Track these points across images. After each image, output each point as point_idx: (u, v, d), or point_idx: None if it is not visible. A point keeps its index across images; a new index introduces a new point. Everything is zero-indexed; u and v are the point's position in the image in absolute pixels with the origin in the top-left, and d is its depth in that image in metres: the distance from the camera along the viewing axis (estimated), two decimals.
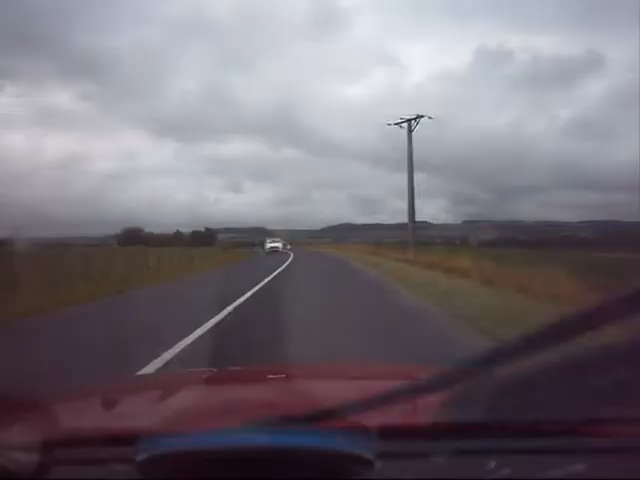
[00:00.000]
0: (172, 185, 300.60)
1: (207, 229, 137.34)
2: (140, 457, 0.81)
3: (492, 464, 0.94)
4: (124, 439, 0.89)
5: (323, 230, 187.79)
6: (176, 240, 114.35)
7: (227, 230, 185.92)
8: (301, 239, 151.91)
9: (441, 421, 1.05)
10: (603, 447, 1.00)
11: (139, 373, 4.52)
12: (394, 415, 1.08)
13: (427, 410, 1.17)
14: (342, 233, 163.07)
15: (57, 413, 1.13)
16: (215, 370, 1.90)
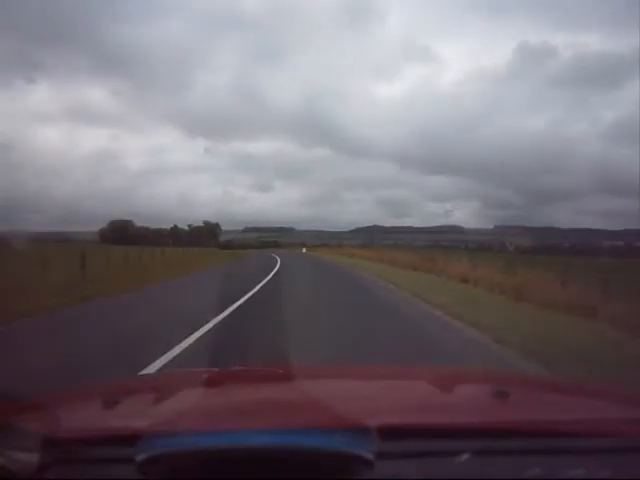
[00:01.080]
0: (201, 182, 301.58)
1: (206, 223, 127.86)
2: (140, 457, 0.82)
3: (491, 463, 0.94)
4: (124, 439, 0.90)
5: (352, 232, 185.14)
6: (174, 236, 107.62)
7: (255, 229, 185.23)
8: (329, 240, 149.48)
9: (441, 421, 1.08)
10: (603, 447, 1.00)
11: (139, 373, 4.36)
12: (394, 415, 1.12)
13: (427, 410, 1.24)
14: (371, 235, 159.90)
15: (57, 413, 1.11)
16: (215, 370, 1.82)
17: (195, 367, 4.58)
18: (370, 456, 0.83)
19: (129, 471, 0.84)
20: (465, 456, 0.94)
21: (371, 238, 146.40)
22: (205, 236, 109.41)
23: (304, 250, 68.06)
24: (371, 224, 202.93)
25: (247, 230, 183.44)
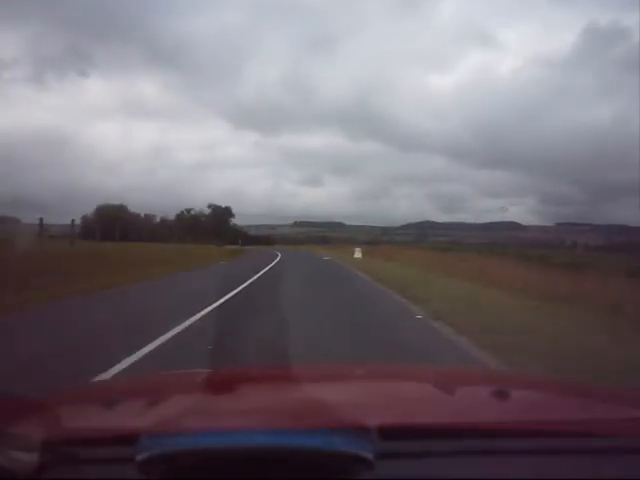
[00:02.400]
0: (250, 176, 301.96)
1: (213, 207, 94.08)
2: (140, 457, 0.82)
3: (491, 464, 0.95)
4: (124, 439, 0.90)
5: (402, 227, 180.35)
6: (163, 228, 78.34)
7: (304, 224, 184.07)
8: (378, 236, 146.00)
9: (441, 421, 1.09)
10: (603, 447, 1.00)
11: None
12: (394, 415, 1.13)
13: (427, 410, 1.25)
14: (422, 231, 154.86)
15: (57, 413, 1.11)
16: (215, 370, 1.84)
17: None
18: (370, 456, 0.83)
19: (129, 471, 0.84)
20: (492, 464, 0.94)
21: (423, 234, 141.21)
22: (215, 226, 79.15)
23: (358, 255, 35.98)
24: (422, 220, 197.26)
25: (296, 225, 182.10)
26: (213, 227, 71.29)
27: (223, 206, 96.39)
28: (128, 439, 0.87)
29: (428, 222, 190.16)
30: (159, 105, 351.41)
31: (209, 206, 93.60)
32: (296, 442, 0.85)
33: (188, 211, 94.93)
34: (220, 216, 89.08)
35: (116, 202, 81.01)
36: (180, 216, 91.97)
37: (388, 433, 0.93)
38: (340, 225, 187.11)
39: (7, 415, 1.04)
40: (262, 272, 19.29)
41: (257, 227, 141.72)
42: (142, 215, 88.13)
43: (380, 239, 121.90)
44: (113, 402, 1.27)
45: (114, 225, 33.88)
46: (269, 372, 1.61)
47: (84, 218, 72.01)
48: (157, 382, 1.84)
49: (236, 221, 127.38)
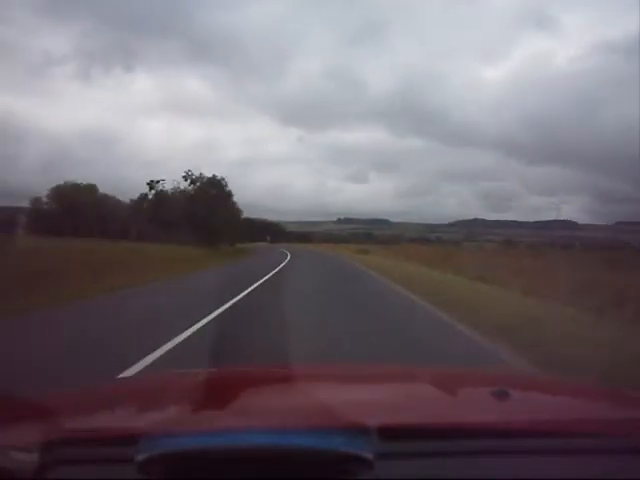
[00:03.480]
0: (294, 172, 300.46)
1: (153, 184, 44.69)
2: (140, 457, 0.82)
3: (492, 464, 0.95)
4: (124, 439, 0.90)
5: (450, 225, 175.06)
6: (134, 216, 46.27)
7: (348, 220, 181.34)
8: (425, 234, 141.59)
9: (441, 421, 1.08)
10: (603, 447, 1.00)
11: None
12: (394, 415, 1.13)
13: (427, 410, 1.24)
14: (471, 230, 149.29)
15: (57, 413, 1.12)
16: (215, 370, 1.82)
17: None
18: (370, 456, 0.83)
19: (129, 471, 0.84)
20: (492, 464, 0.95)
21: (472, 232, 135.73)
22: (205, 208, 44.20)
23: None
24: (471, 217, 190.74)
25: (340, 221, 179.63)
26: (199, 214, 41.11)
27: (210, 176, 47.45)
28: (128, 439, 0.87)
29: (477, 220, 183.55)
30: (203, 101, 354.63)
31: (188, 177, 45.63)
32: (296, 442, 0.86)
33: (153, 187, 48.25)
34: (209, 194, 45.57)
35: (83, 181, 54.92)
36: (143, 199, 49.77)
37: (388, 433, 0.93)
38: (385, 222, 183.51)
39: (7, 415, 1.05)
40: None
41: (300, 224, 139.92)
42: (117, 198, 56.50)
43: (427, 237, 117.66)
44: (113, 402, 1.27)
45: (70, 213, 21.85)
46: (269, 372, 1.64)
47: (34, 201, 50.30)
48: (157, 382, 1.85)
49: (268, 216, 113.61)
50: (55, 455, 0.89)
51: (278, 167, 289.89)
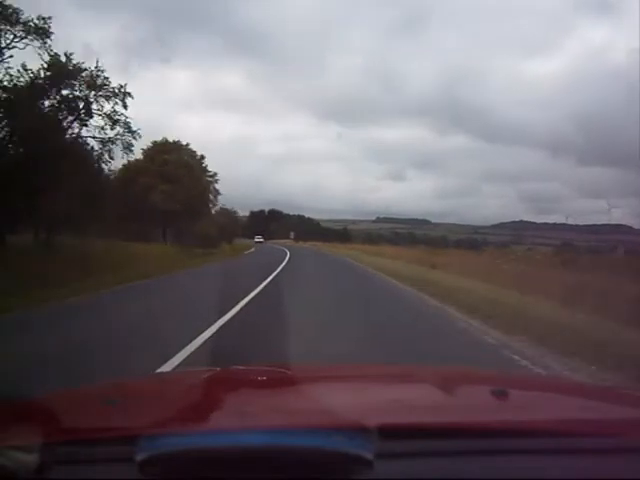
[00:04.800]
0: (332, 170, 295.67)
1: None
2: (140, 457, 0.82)
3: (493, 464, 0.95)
4: (124, 439, 0.90)
5: (494, 227, 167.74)
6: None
7: (387, 220, 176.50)
8: (468, 235, 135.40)
9: (441, 421, 1.09)
10: (603, 447, 1.00)
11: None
12: (394, 415, 1.14)
13: (427, 410, 1.25)
14: (518, 232, 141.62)
15: (57, 413, 1.12)
16: (215, 370, 1.85)
17: None
18: (370, 456, 0.83)
19: (129, 471, 0.84)
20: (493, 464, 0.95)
21: (518, 236, 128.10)
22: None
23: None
24: (517, 219, 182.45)
25: (379, 220, 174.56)
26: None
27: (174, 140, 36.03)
28: (128, 439, 0.87)
29: (523, 222, 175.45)
30: (240, 95, 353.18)
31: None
32: (296, 442, 0.86)
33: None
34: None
35: None
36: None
37: (388, 433, 0.93)
38: (426, 222, 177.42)
39: (7, 415, 1.05)
40: None
41: (336, 222, 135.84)
42: None
43: (471, 238, 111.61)
44: (113, 402, 1.26)
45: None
46: (269, 372, 1.60)
47: None
48: (157, 382, 1.89)
49: (282, 207, 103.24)
50: (55, 455, 0.89)
51: (315, 164, 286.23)
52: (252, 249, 49.97)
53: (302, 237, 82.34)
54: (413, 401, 1.38)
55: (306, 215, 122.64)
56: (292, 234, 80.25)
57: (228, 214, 49.92)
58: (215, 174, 39.12)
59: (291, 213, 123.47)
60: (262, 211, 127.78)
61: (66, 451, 0.92)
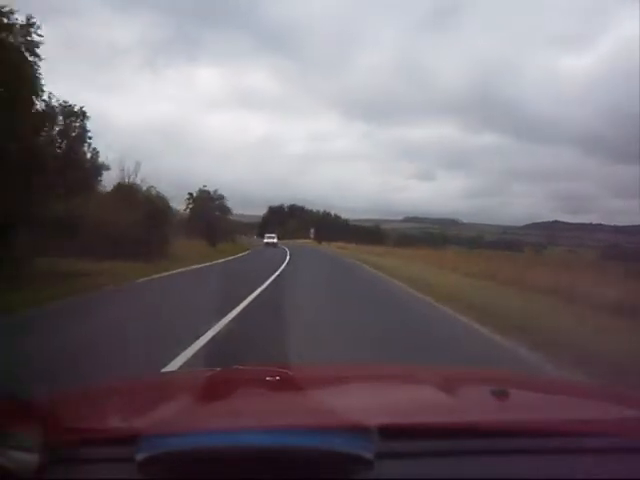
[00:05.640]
0: (359, 169, 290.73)
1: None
2: (140, 457, 0.82)
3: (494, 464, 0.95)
4: (124, 439, 0.90)
5: (526, 227, 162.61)
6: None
7: (415, 219, 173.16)
8: (499, 236, 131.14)
9: (441, 421, 1.09)
10: (603, 447, 1.00)
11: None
12: (394, 415, 1.12)
13: (427, 410, 1.25)
14: (552, 233, 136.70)
15: (57, 413, 1.13)
16: (215, 370, 1.80)
17: None
18: (370, 456, 0.83)
19: (129, 471, 0.84)
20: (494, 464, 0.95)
21: (553, 236, 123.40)
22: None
23: None
24: (550, 219, 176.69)
25: (407, 220, 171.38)
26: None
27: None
28: (128, 439, 0.87)
29: (556, 222, 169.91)
30: (267, 93, 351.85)
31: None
32: (296, 442, 0.86)
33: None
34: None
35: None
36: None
37: (388, 433, 0.93)
38: (455, 222, 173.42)
39: (7, 415, 1.05)
40: None
41: (363, 222, 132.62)
42: None
43: (505, 239, 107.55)
44: (113, 402, 1.26)
45: None
46: (269, 372, 1.59)
47: None
48: (157, 382, 1.85)
49: (306, 205, 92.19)
50: (55, 455, 0.88)
51: (342, 163, 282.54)
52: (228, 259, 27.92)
53: (327, 236, 65.92)
54: (413, 401, 1.38)
55: (332, 212, 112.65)
56: (312, 231, 63.86)
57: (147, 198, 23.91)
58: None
59: (314, 209, 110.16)
60: (281, 206, 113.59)
61: (66, 451, 0.92)
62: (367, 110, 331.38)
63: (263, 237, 65.13)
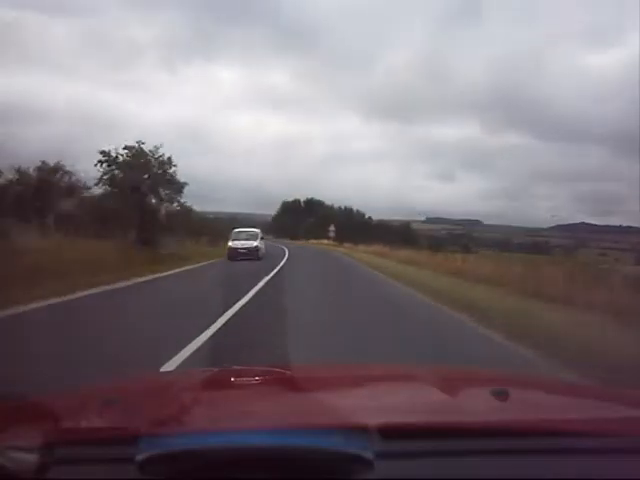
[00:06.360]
0: (379, 169, 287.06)
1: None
2: (140, 457, 0.83)
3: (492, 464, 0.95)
4: (124, 439, 0.91)
5: (551, 229, 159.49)
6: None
7: (438, 220, 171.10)
8: (519, 238, 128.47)
9: (441, 421, 1.09)
10: (603, 447, 1.00)
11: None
12: (394, 415, 1.13)
13: (427, 410, 1.25)
14: (577, 235, 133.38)
15: (57, 413, 1.11)
16: (215, 370, 1.83)
17: None
18: (370, 456, 0.84)
19: (129, 471, 0.84)
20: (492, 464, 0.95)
21: (581, 239, 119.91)
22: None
23: None
24: (576, 221, 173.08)
25: (429, 221, 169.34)
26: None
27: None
28: (128, 439, 0.88)
29: (583, 224, 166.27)
30: (286, 93, 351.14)
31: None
32: (296, 442, 0.86)
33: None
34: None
35: None
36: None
37: (388, 433, 0.93)
38: (477, 223, 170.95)
39: (7, 415, 1.04)
40: None
41: (386, 222, 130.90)
42: None
43: (530, 242, 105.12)
44: (113, 402, 1.26)
45: None
46: (269, 372, 1.61)
47: None
48: (157, 382, 1.84)
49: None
50: (55, 455, 0.89)
51: (362, 163, 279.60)
52: None
53: (350, 236, 54.64)
54: (413, 401, 1.38)
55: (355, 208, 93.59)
56: (332, 229, 49.48)
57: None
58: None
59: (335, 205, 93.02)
60: (296, 201, 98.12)
61: (66, 451, 0.92)
62: (387, 109, 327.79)
63: (276, 237, 55.27)
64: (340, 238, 52.44)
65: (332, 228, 50.40)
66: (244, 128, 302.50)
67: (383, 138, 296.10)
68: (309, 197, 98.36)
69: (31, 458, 0.85)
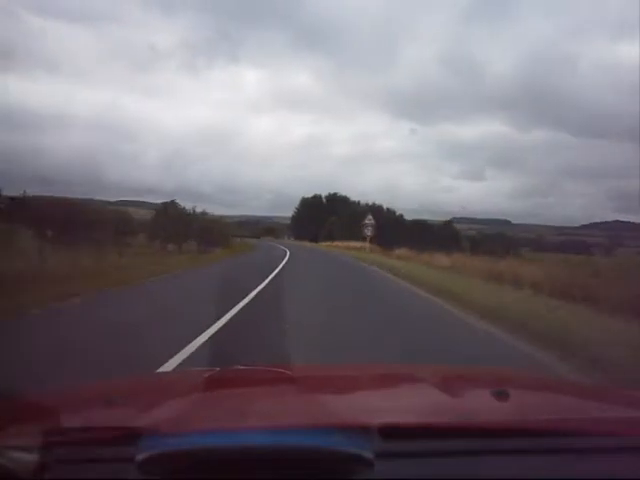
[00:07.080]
0: (406, 169, 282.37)
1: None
2: (140, 457, 0.83)
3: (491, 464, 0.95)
4: (124, 439, 0.91)
5: (583, 227, 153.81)
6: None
7: (465, 220, 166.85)
8: (552, 237, 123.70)
9: (441, 421, 1.09)
10: (603, 447, 1.00)
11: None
12: (394, 415, 1.13)
13: (427, 410, 1.24)
14: (613, 233, 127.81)
15: (57, 413, 1.12)
16: (215, 370, 1.81)
17: None
18: (370, 456, 0.84)
19: (129, 471, 0.84)
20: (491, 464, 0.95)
21: (617, 237, 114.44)
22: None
23: None
24: (610, 219, 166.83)
25: (456, 221, 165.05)
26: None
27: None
28: (128, 439, 0.88)
29: (618, 222, 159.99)
30: (310, 94, 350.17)
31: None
32: (296, 442, 0.86)
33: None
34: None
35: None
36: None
37: (388, 433, 0.93)
38: (507, 223, 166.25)
39: (7, 415, 1.05)
40: None
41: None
42: None
43: (566, 240, 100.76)
44: (113, 402, 1.26)
45: None
46: (269, 372, 1.61)
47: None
48: (157, 382, 1.85)
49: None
50: (55, 455, 0.89)
51: (388, 163, 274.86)
52: None
53: (391, 238, 41.52)
54: (414, 401, 1.38)
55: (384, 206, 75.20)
56: (369, 228, 33.54)
57: None
58: None
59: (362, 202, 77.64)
60: (317, 197, 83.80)
61: (65, 451, 0.92)
62: (413, 108, 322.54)
63: (296, 238, 46.97)
64: (384, 241, 38.01)
65: (370, 220, 33.82)
66: (269, 129, 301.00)
67: (409, 137, 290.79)
68: (332, 192, 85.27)
69: (31, 458, 0.85)
